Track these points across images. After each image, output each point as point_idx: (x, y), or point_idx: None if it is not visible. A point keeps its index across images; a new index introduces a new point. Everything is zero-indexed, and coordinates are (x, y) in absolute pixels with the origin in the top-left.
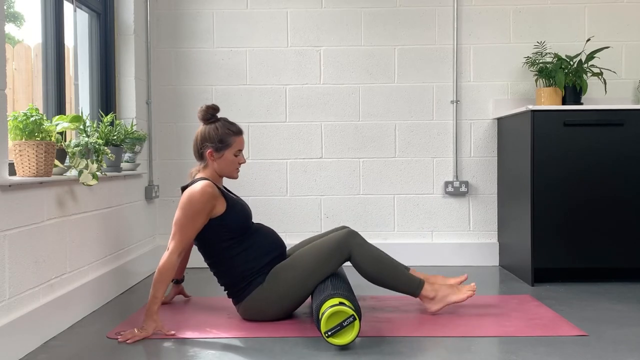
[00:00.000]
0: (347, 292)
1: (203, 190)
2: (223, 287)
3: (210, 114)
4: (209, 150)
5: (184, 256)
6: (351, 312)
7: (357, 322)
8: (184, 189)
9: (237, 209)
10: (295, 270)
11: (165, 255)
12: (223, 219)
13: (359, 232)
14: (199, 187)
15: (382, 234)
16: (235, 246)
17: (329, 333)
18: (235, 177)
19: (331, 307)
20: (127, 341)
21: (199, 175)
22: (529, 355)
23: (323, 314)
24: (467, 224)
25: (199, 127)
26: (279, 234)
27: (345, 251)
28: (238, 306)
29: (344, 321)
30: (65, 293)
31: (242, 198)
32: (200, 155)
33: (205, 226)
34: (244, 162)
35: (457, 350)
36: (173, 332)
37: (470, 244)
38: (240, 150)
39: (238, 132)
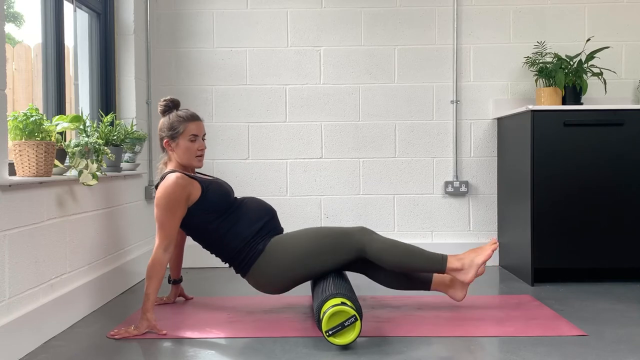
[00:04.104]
0: (349, 292)
1: (175, 182)
2: (227, 264)
3: (165, 106)
4: (165, 141)
5: (177, 255)
6: (353, 312)
7: (358, 323)
8: (157, 186)
9: (213, 188)
10: (298, 242)
11: (153, 252)
12: (202, 202)
13: None
14: (170, 180)
15: (382, 233)
16: (223, 224)
17: (330, 332)
18: (198, 165)
19: (333, 306)
20: (116, 337)
21: (166, 169)
22: (529, 355)
23: (324, 313)
24: (467, 224)
25: None
26: None
27: (355, 245)
28: (246, 278)
29: (345, 321)
30: (65, 293)
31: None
32: (162, 149)
33: (189, 215)
34: (203, 147)
35: (457, 350)
36: (164, 332)
37: (470, 244)
38: (196, 136)
39: (188, 118)
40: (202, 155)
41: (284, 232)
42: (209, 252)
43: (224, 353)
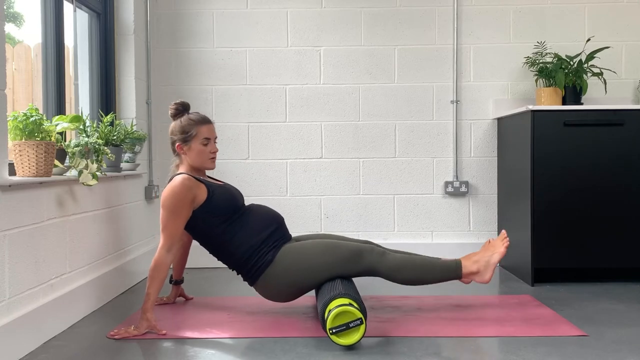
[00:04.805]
0: (356, 295)
1: (180, 183)
2: (236, 272)
3: (176, 109)
4: (177, 144)
5: (182, 256)
6: (359, 315)
7: (363, 326)
8: None
9: (219, 192)
10: (309, 257)
11: (156, 252)
12: (207, 205)
13: (361, 232)
14: (176, 182)
15: (382, 234)
16: (228, 230)
17: (334, 331)
18: (211, 167)
19: (340, 306)
20: (116, 337)
21: (177, 172)
22: (529, 355)
23: (330, 311)
24: (467, 224)
25: None
26: None
27: (366, 266)
28: (255, 286)
29: (350, 322)
30: (65, 293)
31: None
32: (174, 151)
33: (194, 218)
34: (215, 150)
35: (457, 350)
36: (164, 332)
37: (470, 244)
38: (208, 139)
39: (200, 121)
40: (214, 158)
41: (292, 238)
42: (208, 252)
43: (224, 353)
